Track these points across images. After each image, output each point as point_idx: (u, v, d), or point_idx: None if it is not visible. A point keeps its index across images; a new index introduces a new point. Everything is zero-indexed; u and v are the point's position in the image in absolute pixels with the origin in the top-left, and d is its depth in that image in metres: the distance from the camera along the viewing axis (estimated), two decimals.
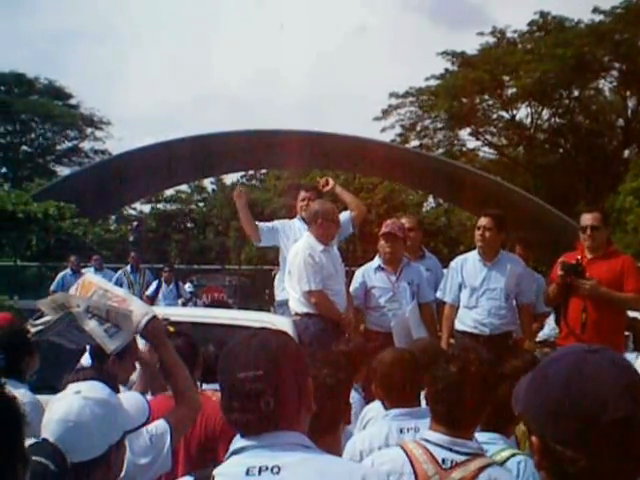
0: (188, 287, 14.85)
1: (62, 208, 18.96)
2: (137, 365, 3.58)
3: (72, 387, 2.28)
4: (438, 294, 6.21)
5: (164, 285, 12.74)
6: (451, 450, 2.53)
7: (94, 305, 2.73)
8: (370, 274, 6.22)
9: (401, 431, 3.26)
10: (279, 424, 1.80)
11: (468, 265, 6.00)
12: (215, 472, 1.81)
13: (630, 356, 6.25)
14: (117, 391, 2.47)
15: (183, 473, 3.48)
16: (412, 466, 2.56)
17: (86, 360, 3.76)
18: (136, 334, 2.80)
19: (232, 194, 7.09)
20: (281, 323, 5.48)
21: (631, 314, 6.42)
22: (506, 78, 31.69)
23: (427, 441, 2.60)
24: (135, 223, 38.47)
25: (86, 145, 39.65)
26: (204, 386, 4.04)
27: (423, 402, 3.29)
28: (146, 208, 40.19)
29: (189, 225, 41.36)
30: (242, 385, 1.79)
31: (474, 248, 6.08)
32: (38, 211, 18.34)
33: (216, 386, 4.01)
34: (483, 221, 5.93)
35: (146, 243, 33.31)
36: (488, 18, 68.80)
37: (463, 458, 2.51)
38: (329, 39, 76.93)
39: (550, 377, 1.39)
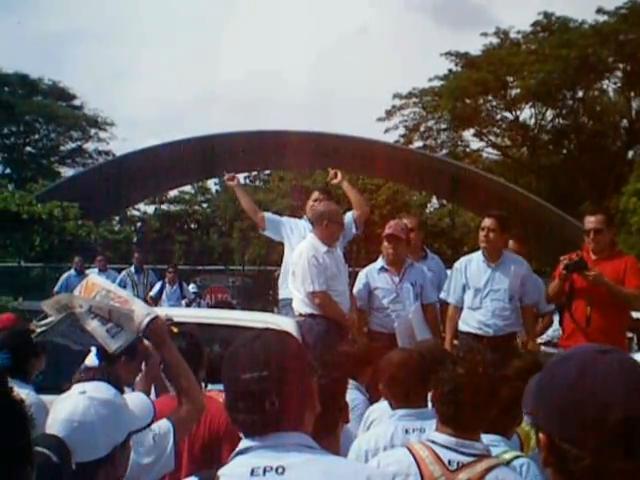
0: (192, 288, 14.84)
1: (66, 209, 18.99)
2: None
3: (77, 387, 2.28)
4: (442, 295, 6.21)
5: (168, 286, 12.74)
6: (457, 451, 2.53)
7: (97, 305, 2.74)
8: (373, 275, 6.22)
9: (406, 432, 3.27)
10: (284, 425, 1.80)
11: (472, 266, 6.00)
12: (220, 472, 1.82)
13: (635, 356, 6.24)
14: (122, 392, 2.47)
15: (187, 474, 3.48)
16: (418, 467, 2.56)
17: (91, 361, 3.77)
18: (138, 334, 2.81)
19: (231, 187, 7.20)
20: (285, 324, 5.48)
21: (635, 315, 6.42)
22: (510, 79, 31.65)
23: (433, 442, 2.60)
24: (139, 224, 38.53)
25: (90, 146, 39.71)
26: (209, 387, 4.04)
27: (429, 403, 3.29)
28: (150, 209, 40.29)
29: (193, 226, 41.38)
30: (247, 386, 1.80)
31: (478, 249, 6.08)
32: (42, 212, 18.37)
33: (221, 387, 4.03)
34: (487, 222, 5.93)
35: (150, 244, 33.34)
36: (492, 19, 68.85)
37: (469, 459, 2.51)
38: (332, 40, 76.92)
39: (559, 375, 1.40)
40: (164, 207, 40.38)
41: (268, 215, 6.77)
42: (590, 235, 5.52)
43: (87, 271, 12.56)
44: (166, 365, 2.89)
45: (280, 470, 1.74)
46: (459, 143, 35.39)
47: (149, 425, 2.59)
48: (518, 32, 31.61)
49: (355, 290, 6.22)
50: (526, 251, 6.81)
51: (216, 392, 3.97)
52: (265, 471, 1.75)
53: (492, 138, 34.78)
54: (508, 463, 2.85)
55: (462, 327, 5.94)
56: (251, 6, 78.09)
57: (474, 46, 32.55)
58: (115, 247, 22.53)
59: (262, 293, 20.14)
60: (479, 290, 5.89)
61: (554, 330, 7.35)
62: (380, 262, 6.26)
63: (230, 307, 12.60)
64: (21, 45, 60.00)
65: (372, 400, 4.38)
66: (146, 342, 3.05)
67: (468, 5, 62.25)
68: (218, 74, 76.09)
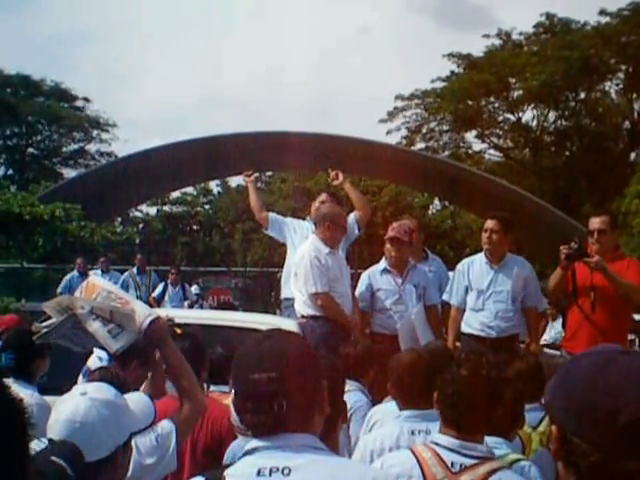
0: (194, 289, 14.85)
1: (68, 210, 19.00)
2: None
3: (78, 388, 2.29)
4: (444, 297, 6.21)
5: (170, 287, 12.75)
6: (460, 453, 2.53)
7: (98, 306, 2.75)
8: (376, 276, 6.22)
9: (412, 433, 3.27)
10: (292, 426, 1.80)
11: (475, 268, 5.99)
12: (226, 472, 1.82)
13: None
14: (124, 393, 2.48)
15: (189, 474, 3.48)
16: (421, 469, 2.56)
17: (93, 362, 3.78)
18: (139, 335, 2.82)
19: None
20: (287, 325, 5.47)
21: (637, 317, 6.43)
22: (512, 80, 31.65)
23: (436, 444, 2.59)
24: (141, 225, 38.55)
25: (92, 147, 39.75)
26: (211, 388, 4.05)
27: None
28: (152, 210, 40.29)
29: (195, 227, 41.36)
30: (255, 386, 1.79)
31: (480, 251, 6.08)
32: (44, 213, 18.37)
33: (223, 388, 4.05)
34: (490, 224, 5.92)
35: (152, 245, 33.36)
36: (494, 20, 68.90)
37: (472, 462, 2.50)
38: (334, 41, 77.00)
39: (577, 371, 1.42)
40: (166, 208, 40.39)
41: (272, 215, 6.80)
42: (594, 236, 5.53)
43: (90, 272, 12.58)
44: (168, 366, 2.89)
45: (286, 471, 1.74)
46: (461, 145, 35.41)
47: (150, 426, 2.59)
48: (520, 33, 31.70)
49: (357, 292, 6.22)
50: (516, 248, 6.78)
51: (218, 393, 3.98)
52: (271, 472, 1.75)
53: (494, 140, 34.81)
54: (509, 466, 2.85)
55: (464, 329, 5.93)
56: (253, 8, 78.25)
57: (476, 47, 32.72)
58: (117, 248, 22.53)
59: (264, 294, 20.16)
60: (482, 292, 5.88)
61: (557, 332, 7.36)
62: (383, 263, 6.26)
63: (232, 308, 12.64)
64: (23, 46, 60.16)
65: (374, 402, 4.38)
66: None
67: (470, 6, 62.29)
68: (220, 75, 76.25)
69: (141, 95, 74.09)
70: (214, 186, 41.54)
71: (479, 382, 2.63)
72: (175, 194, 38.60)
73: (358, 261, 14.34)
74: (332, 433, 2.48)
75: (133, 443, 2.41)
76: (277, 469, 1.75)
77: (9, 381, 3.60)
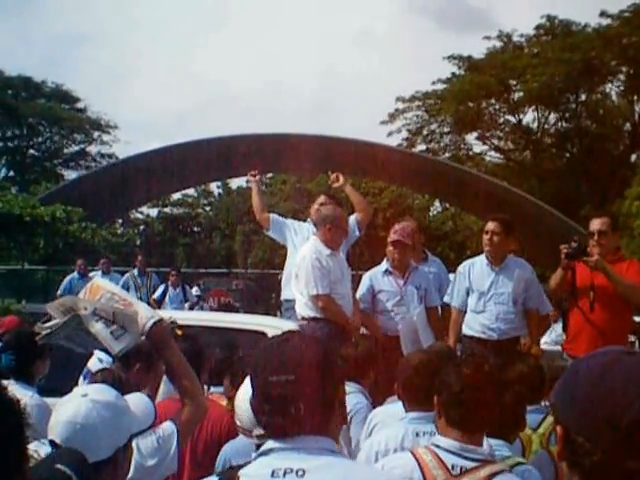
0: (195, 291, 14.85)
1: (69, 212, 18.99)
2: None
3: (79, 390, 2.29)
4: (445, 299, 6.20)
5: (171, 289, 12.75)
6: (461, 456, 2.52)
7: (101, 308, 2.75)
8: (378, 278, 6.23)
9: (417, 435, 3.27)
10: (308, 428, 1.80)
11: (476, 270, 5.99)
12: (241, 472, 1.83)
13: None
14: (124, 394, 2.48)
15: (189, 476, 3.49)
16: (421, 472, 2.55)
17: (94, 364, 3.78)
18: (142, 336, 2.82)
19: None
20: (288, 327, 5.47)
21: (637, 318, 6.42)
22: (513, 82, 31.65)
23: (437, 446, 2.59)
24: (142, 227, 38.57)
25: (93, 149, 39.85)
26: (211, 389, 4.05)
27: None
28: (153, 212, 40.33)
29: (196, 229, 41.40)
30: (273, 389, 1.80)
31: (481, 253, 6.07)
32: (45, 215, 18.36)
33: (223, 390, 4.05)
34: (491, 225, 5.92)
35: (153, 247, 33.37)
36: (495, 22, 68.98)
37: (473, 464, 2.49)
38: (335, 43, 77.02)
39: (583, 371, 1.42)
40: (167, 210, 40.42)
41: (273, 216, 6.80)
42: (594, 237, 5.53)
43: (90, 274, 12.59)
44: (170, 367, 2.89)
45: (300, 473, 1.74)
46: (462, 146, 35.38)
47: (151, 427, 2.59)
48: (521, 35, 31.68)
49: (359, 293, 6.22)
50: (520, 248, 6.79)
51: (217, 395, 3.98)
52: (285, 473, 1.75)
53: (495, 141, 34.80)
54: (510, 469, 2.84)
55: (466, 331, 5.93)
56: (254, 10, 78.22)
57: (477, 49, 32.70)
58: (118, 250, 22.55)
59: (265, 296, 20.14)
60: (483, 294, 5.88)
61: (558, 335, 7.35)
62: (384, 265, 6.26)
63: (233, 310, 12.65)
64: (25, 48, 60.23)
65: (374, 404, 4.38)
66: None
67: (471, 8, 62.34)
68: (221, 78, 76.27)
69: (142, 97, 74.19)
70: (215, 188, 41.64)
71: (483, 379, 2.64)
72: (176, 196, 38.68)
73: (359, 263, 14.34)
74: None
75: (134, 444, 2.41)
76: (291, 470, 1.75)
77: (9, 382, 3.61)
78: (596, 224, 5.56)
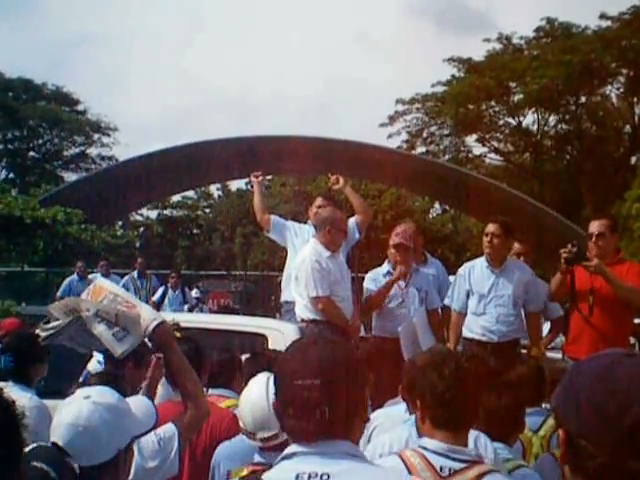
0: (194, 293, 14.83)
1: (69, 214, 19.00)
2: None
3: (82, 392, 2.29)
4: (446, 301, 6.21)
5: (170, 291, 12.74)
6: (449, 457, 2.49)
7: (103, 309, 2.75)
8: (379, 279, 6.25)
9: (421, 437, 3.25)
10: (332, 433, 1.79)
11: (476, 272, 5.99)
12: (264, 476, 1.83)
13: None
14: (126, 396, 2.47)
15: (188, 479, 3.48)
16: (410, 474, 2.53)
17: (93, 366, 3.78)
18: (144, 338, 2.82)
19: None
20: (287, 329, 5.48)
21: (637, 321, 6.40)
22: (512, 84, 31.65)
23: (425, 448, 2.56)
24: (142, 229, 38.56)
25: (93, 151, 39.80)
26: (210, 391, 4.04)
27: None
28: (153, 214, 40.31)
29: (195, 231, 41.37)
30: (298, 393, 1.79)
31: (481, 255, 6.07)
32: (45, 216, 18.37)
33: (222, 392, 4.05)
34: (491, 228, 5.91)
35: (152, 249, 33.35)
36: (494, 24, 68.93)
37: (461, 465, 2.47)
38: (335, 45, 77.07)
39: (584, 373, 1.43)
40: (167, 212, 40.40)
41: (274, 217, 6.81)
42: (593, 239, 5.53)
43: (90, 276, 12.58)
44: (172, 369, 2.89)
45: (325, 477, 1.74)
46: (462, 149, 35.39)
47: (152, 429, 2.59)
48: (521, 38, 31.68)
49: (365, 287, 6.33)
50: (530, 250, 6.76)
51: (216, 397, 3.97)
52: (310, 477, 1.74)
53: (495, 144, 34.80)
54: (510, 473, 2.83)
55: (466, 333, 5.92)
56: (253, 12, 78.29)
57: (477, 52, 32.62)
58: (118, 252, 22.51)
59: (264, 298, 20.14)
60: (483, 296, 5.87)
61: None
62: (386, 267, 6.29)
63: (232, 312, 12.62)
64: (25, 50, 60.21)
65: (373, 407, 4.36)
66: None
67: (471, 11, 62.31)
68: (221, 81, 76.33)
69: (142, 99, 74.23)
70: (214, 190, 41.65)
71: (464, 376, 2.63)
72: (175, 198, 38.63)
73: (358, 265, 14.33)
74: None
75: (136, 446, 2.41)
76: (316, 474, 1.74)
77: (7, 384, 3.61)
78: (594, 226, 5.56)
